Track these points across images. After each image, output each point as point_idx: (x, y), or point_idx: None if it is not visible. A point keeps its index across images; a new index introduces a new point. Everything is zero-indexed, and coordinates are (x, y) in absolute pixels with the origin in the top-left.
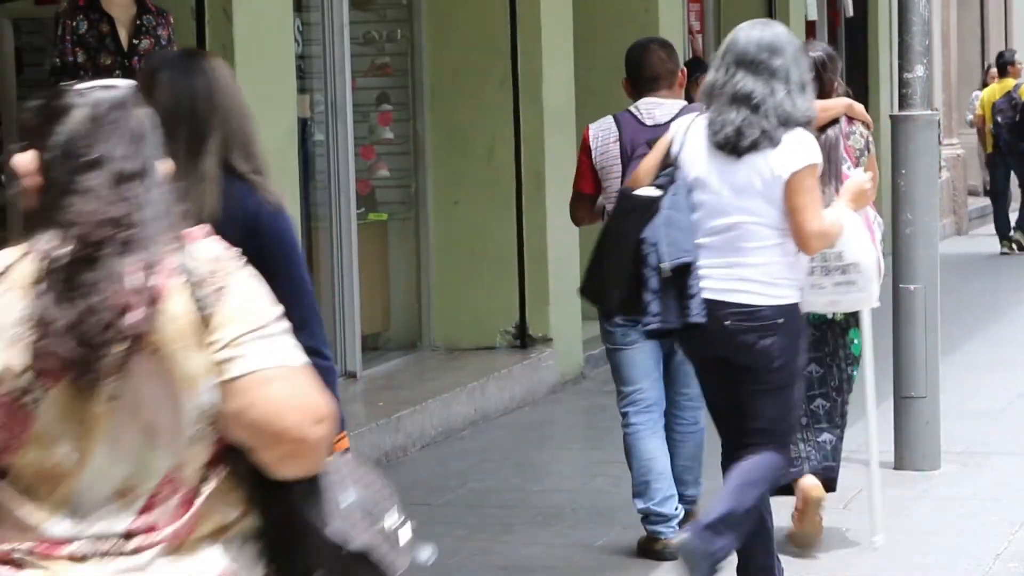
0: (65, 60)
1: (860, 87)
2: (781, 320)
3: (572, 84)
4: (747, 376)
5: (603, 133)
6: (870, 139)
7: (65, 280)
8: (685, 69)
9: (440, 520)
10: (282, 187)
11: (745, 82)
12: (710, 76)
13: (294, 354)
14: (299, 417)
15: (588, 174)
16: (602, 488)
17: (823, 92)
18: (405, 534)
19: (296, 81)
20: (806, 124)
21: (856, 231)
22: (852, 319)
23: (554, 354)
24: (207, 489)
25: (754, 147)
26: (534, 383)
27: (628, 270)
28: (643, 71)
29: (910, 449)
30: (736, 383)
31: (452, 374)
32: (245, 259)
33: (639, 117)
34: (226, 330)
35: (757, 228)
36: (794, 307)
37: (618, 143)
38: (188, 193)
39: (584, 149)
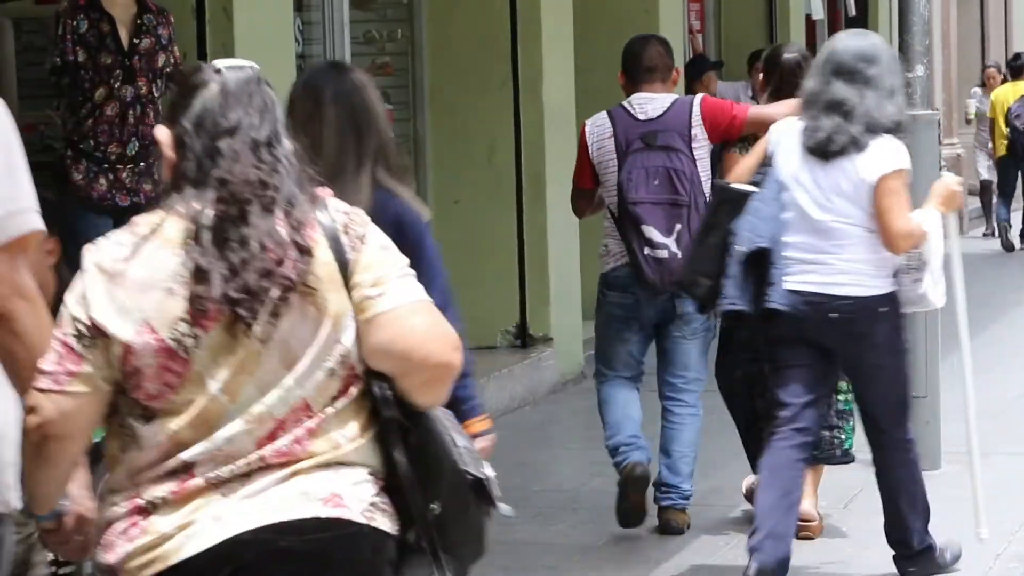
0: (65, 59)
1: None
2: (885, 308)
3: (572, 84)
4: (859, 363)
5: (598, 129)
6: None
7: (216, 235)
8: (679, 69)
9: None
10: None
11: (839, 90)
12: (808, 84)
13: (424, 293)
14: (440, 344)
15: (587, 169)
16: (602, 488)
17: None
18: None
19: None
20: (894, 129)
21: (933, 233)
22: None
23: (554, 354)
24: (328, 417)
25: (842, 152)
26: (534, 383)
27: (718, 260)
28: (641, 61)
29: None
30: (848, 370)
31: None
32: None
33: (632, 112)
34: (368, 273)
35: (846, 227)
36: (893, 295)
37: (612, 138)
38: (349, 201)
39: (582, 145)
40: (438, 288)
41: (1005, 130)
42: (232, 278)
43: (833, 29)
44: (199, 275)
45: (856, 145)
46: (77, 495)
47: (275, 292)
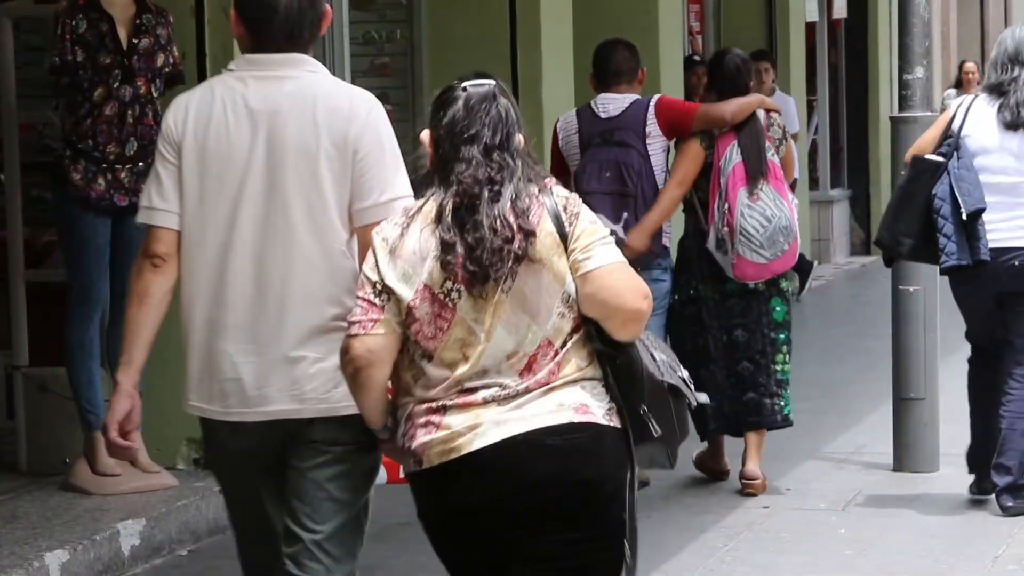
0: (64, 59)
1: (860, 88)
2: None
3: (572, 85)
4: None
5: (567, 125)
6: (786, 128)
7: (454, 220)
8: (645, 68)
9: None
10: None
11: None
12: (992, 76)
13: (620, 255)
14: (633, 295)
15: (556, 159)
16: None
17: (741, 92)
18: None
19: None
20: None
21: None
22: (772, 288)
23: None
24: (567, 349)
25: None
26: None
27: (920, 222)
28: (609, 65)
29: (909, 451)
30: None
31: None
32: None
33: (596, 111)
34: (581, 241)
35: None
36: None
37: (578, 134)
38: None
39: (553, 139)
40: None
41: None
42: (469, 253)
43: (832, 30)
44: (446, 247)
45: None
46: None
47: (507, 262)
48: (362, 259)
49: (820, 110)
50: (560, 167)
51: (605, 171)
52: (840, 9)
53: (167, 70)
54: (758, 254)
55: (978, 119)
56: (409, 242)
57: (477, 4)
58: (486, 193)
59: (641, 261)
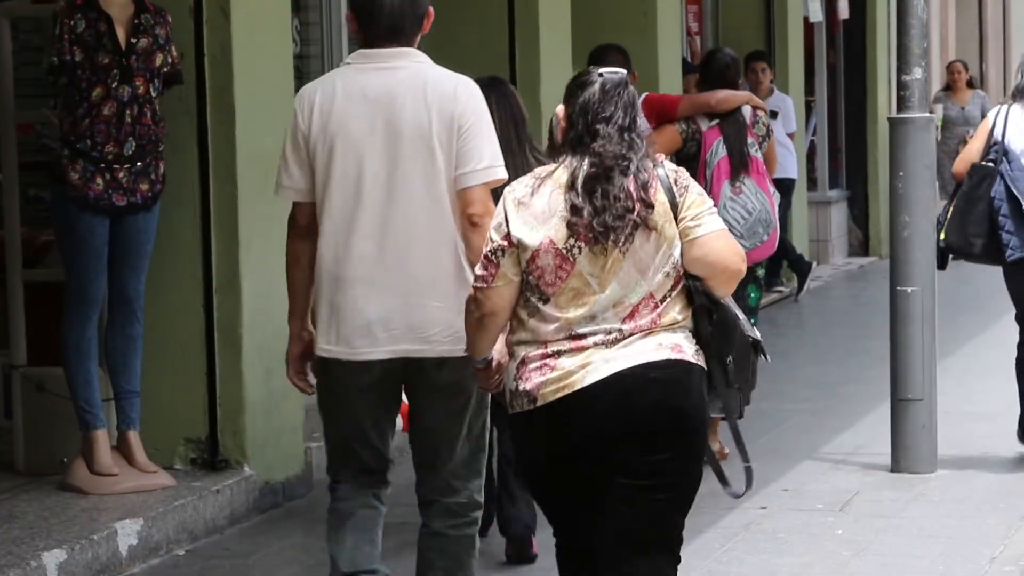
0: (63, 59)
1: (859, 89)
2: None
3: None
4: None
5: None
6: (771, 126)
7: (585, 187)
8: (636, 72)
9: None
10: None
11: None
12: (1020, 80)
13: (722, 223)
14: (734, 257)
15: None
16: None
17: (729, 88)
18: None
19: (294, 81)
20: None
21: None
22: (748, 276)
23: None
24: (666, 303)
25: None
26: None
27: (987, 223)
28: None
29: (907, 452)
30: None
31: None
32: None
33: None
34: (690, 211)
35: None
36: None
37: None
38: (521, 170)
39: (551, 132)
40: None
41: None
42: (595, 216)
43: (831, 31)
44: (574, 210)
45: None
46: (499, 350)
47: (627, 228)
48: (462, 217)
49: (818, 111)
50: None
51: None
52: (844, 10)
53: (165, 70)
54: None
55: (1017, 125)
56: (538, 201)
57: (475, 7)
58: (617, 167)
59: None
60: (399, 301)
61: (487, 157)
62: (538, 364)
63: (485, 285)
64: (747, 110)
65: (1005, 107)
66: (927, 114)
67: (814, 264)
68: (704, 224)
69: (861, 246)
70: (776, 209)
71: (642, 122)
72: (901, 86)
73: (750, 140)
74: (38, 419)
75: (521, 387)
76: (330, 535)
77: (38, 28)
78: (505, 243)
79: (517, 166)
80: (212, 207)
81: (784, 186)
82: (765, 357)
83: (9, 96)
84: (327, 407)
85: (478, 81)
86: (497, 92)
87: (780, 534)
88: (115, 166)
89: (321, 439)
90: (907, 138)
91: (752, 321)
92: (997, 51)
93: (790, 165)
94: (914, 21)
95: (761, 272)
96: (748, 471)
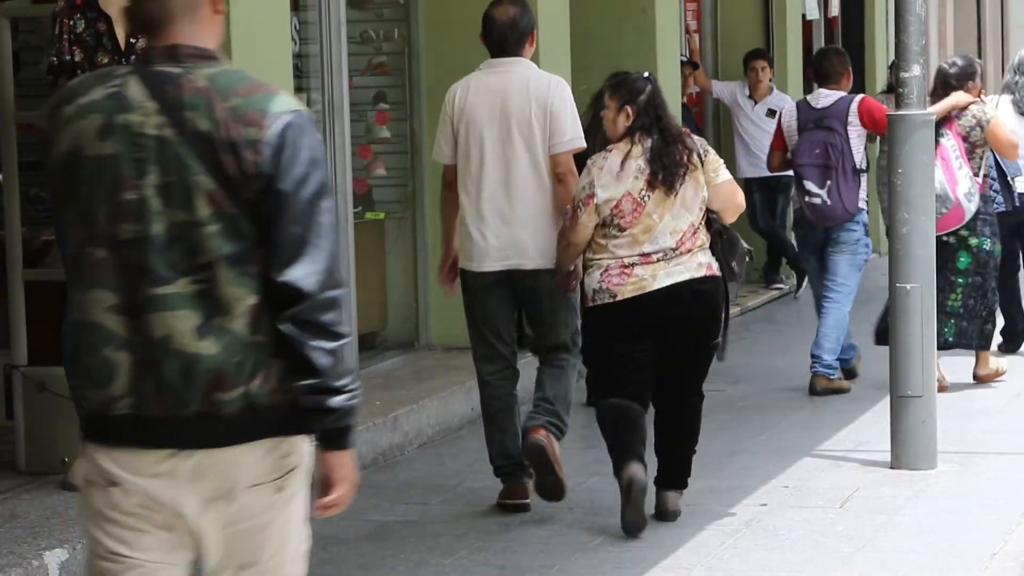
0: (62, 59)
1: (857, 86)
2: None
3: (569, 83)
4: None
5: (789, 112)
6: (982, 115)
7: (654, 153)
8: (851, 71)
9: (437, 519)
10: None
11: None
12: (1008, 77)
13: (729, 174)
14: (741, 199)
15: (779, 137)
16: (598, 487)
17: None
18: None
19: (293, 80)
20: None
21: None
22: (961, 243)
23: None
24: (698, 229)
25: None
26: (531, 381)
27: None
28: (823, 68)
29: (906, 448)
30: None
31: (449, 373)
32: None
33: (811, 102)
34: (710, 166)
35: None
36: None
37: (796, 120)
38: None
39: (778, 121)
40: None
41: None
42: (666, 172)
43: (829, 29)
44: (652, 172)
45: None
46: (577, 264)
47: (681, 176)
48: (552, 174)
49: None
50: (781, 143)
51: (815, 148)
52: (834, 7)
53: None
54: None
55: (1005, 112)
56: (617, 166)
57: (474, 3)
58: (674, 140)
59: (842, 217)
60: (509, 231)
61: (569, 132)
62: (618, 271)
63: (572, 224)
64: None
65: (997, 97)
66: (925, 111)
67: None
68: (719, 175)
69: None
70: (962, 188)
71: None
72: (899, 83)
73: (945, 131)
74: (39, 419)
75: (604, 287)
76: (485, 429)
77: (38, 28)
78: (589, 199)
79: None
80: None
81: (783, 183)
82: (751, 260)
83: (9, 96)
84: (467, 306)
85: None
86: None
87: (780, 531)
88: None
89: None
90: (905, 135)
91: (960, 281)
92: (995, 48)
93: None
94: (912, 18)
95: (975, 241)
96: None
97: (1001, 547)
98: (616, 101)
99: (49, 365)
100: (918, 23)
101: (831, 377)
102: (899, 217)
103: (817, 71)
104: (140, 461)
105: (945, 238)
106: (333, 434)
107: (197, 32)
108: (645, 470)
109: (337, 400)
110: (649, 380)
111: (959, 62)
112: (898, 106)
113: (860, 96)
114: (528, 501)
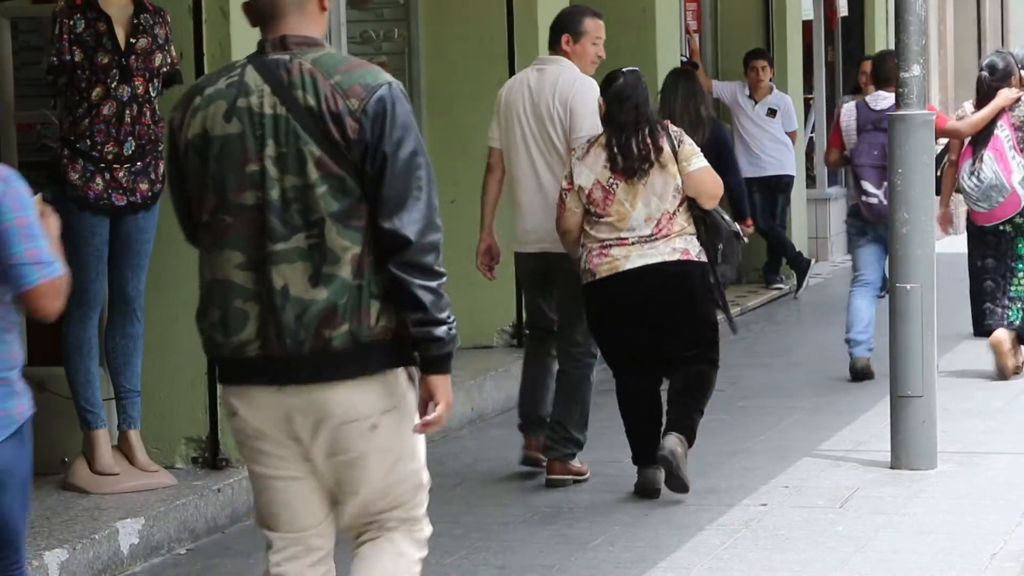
0: (62, 59)
1: (857, 87)
2: None
3: None
4: None
5: (848, 114)
6: None
7: (618, 143)
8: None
9: (437, 519)
10: None
11: None
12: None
13: (705, 161)
14: (716, 186)
15: (836, 136)
16: (598, 487)
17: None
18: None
19: None
20: None
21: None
22: (1019, 231)
23: None
24: (675, 216)
25: None
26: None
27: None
28: (881, 71)
29: (906, 448)
30: None
31: None
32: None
33: (869, 104)
34: (684, 155)
35: None
36: None
37: (856, 120)
38: (696, 133)
39: (836, 121)
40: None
41: None
42: (625, 161)
43: (829, 29)
44: (611, 159)
45: None
46: (580, 252)
47: (645, 166)
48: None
49: (817, 108)
50: (839, 141)
51: (873, 150)
52: (843, 8)
53: (165, 70)
54: (978, 206)
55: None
56: (589, 157)
57: (474, 4)
58: (635, 129)
59: None
60: (540, 216)
61: (585, 129)
62: (597, 252)
63: (562, 212)
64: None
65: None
66: (926, 111)
67: (813, 261)
68: (693, 163)
69: None
70: (1018, 177)
71: (652, 102)
72: (899, 83)
73: (1000, 123)
74: (39, 419)
75: (586, 266)
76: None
77: (38, 28)
78: (570, 187)
79: (695, 127)
80: None
81: (783, 183)
82: (743, 241)
83: (9, 96)
84: (517, 282)
85: (671, 72)
86: (683, 78)
87: (780, 531)
88: (115, 166)
89: None
90: (905, 135)
91: (1020, 266)
92: (995, 48)
93: (788, 162)
94: (912, 18)
95: None
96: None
97: (1001, 547)
98: (602, 94)
99: (49, 365)
100: (918, 23)
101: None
102: (899, 217)
103: (876, 74)
104: (267, 396)
105: (1001, 227)
106: (436, 360)
107: (304, 24)
108: (659, 467)
109: (440, 330)
110: (646, 352)
111: (999, 64)
112: (898, 106)
113: None
114: (541, 456)
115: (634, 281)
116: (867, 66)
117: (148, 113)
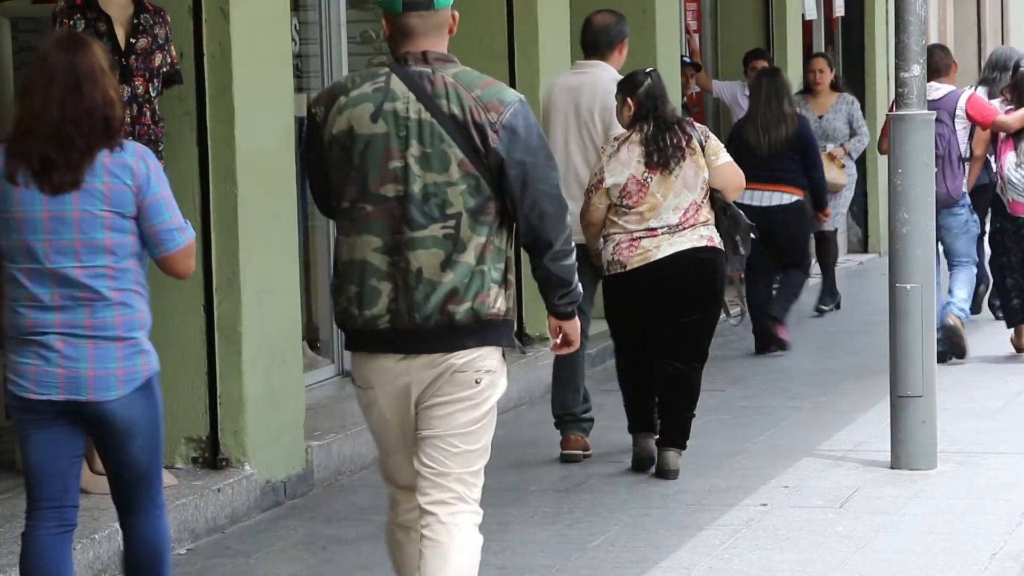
0: None
1: (857, 86)
2: None
3: None
4: None
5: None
6: None
7: (652, 139)
8: (956, 63)
9: None
10: (279, 185)
11: None
12: (985, 72)
13: (728, 156)
14: (740, 178)
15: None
16: (599, 487)
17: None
18: None
19: (293, 80)
20: None
21: None
22: None
23: (551, 353)
24: (701, 206)
25: None
26: (531, 382)
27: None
28: (932, 63)
29: (906, 448)
30: None
31: None
32: None
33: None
34: (711, 149)
35: None
36: None
37: None
38: (768, 128)
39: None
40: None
41: None
42: (660, 154)
43: (829, 29)
44: (648, 153)
45: None
46: (600, 243)
47: (677, 158)
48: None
49: None
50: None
51: None
52: (839, 7)
53: (165, 70)
54: (1023, 196)
55: None
56: (622, 153)
57: (474, 5)
58: (669, 126)
59: (947, 202)
60: (575, 205)
61: (618, 127)
62: (627, 244)
63: (587, 207)
64: None
65: (971, 88)
66: (926, 111)
67: (813, 261)
68: (720, 157)
69: (860, 243)
70: None
71: (672, 103)
72: (899, 83)
73: None
74: None
75: (616, 258)
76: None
77: (38, 28)
78: (599, 184)
79: (770, 122)
80: (212, 207)
81: None
82: (755, 235)
83: (9, 96)
84: None
85: (758, 72)
86: (767, 78)
87: (780, 531)
88: None
89: (321, 438)
90: (905, 135)
91: None
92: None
93: None
94: (912, 18)
95: None
96: (741, 312)
97: (1001, 547)
98: (622, 94)
99: None
100: (918, 23)
101: (963, 321)
102: (899, 217)
103: (928, 66)
104: (393, 363)
105: None
106: (569, 310)
107: (439, 42)
108: (654, 434)
109: (576, 294)
110: (654, 335)
111: None
112: (898, 106)
113: (968, 92)
114: (579, 452)
115: (665, 268)
116: (817, 63)
117: (148, 113)
